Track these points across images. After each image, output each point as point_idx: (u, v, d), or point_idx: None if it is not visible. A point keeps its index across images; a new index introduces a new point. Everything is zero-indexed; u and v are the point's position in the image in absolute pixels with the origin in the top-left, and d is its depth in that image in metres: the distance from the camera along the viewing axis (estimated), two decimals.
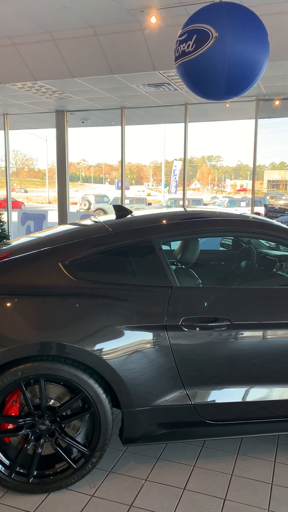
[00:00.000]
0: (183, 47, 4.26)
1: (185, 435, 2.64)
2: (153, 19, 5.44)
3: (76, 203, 29.34)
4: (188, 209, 3.46)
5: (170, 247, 3.57)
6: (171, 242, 3.37)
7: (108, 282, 2.55)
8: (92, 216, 3.54)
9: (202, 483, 2.53)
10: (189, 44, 4.21)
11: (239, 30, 4.08)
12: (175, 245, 3.44)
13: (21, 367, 2.31)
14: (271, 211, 21.78)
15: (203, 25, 4.14)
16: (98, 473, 2.61)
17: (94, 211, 26.24)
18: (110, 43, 6.24)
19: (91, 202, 29.08)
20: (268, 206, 24.09)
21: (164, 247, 2.83)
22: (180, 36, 4.30)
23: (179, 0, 5.20)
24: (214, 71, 4.16)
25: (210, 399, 2.56)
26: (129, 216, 3.08)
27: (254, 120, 8.80)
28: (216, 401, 2.56)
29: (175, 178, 31.73)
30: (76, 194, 35.59)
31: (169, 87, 7.34)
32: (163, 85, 7.22)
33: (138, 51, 6.23)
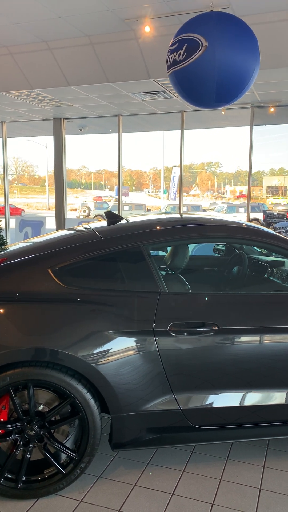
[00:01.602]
0: (175, 56, 4.32)
1: (174, 440, 2.65)
2: (147, 29, 5.51)
3: (76, 210, 29.43)
4: (182, 215, 3.50)
5: (159, 254, 3.61)
6: (162, 248, 3.39)
7: (97, 288, 2.58)
8: (83, 223, 3.57)
9: (191, 488, 2.54)
10: (180, 53, 4.27)
11: (228, 39, 4.15)
12: (166, 251, 3.48)
13: (9, 372, 2.34)
14: (270, 217, 21.84)
15: (193, 35, 4.20)
16: (88, 478, 2.63)
17: (94, 217, 26.31)
18: (106, 52, 6.31)
19: (91, 209, 29.18)
20: (267, 212, 24.18)
21: (155, 253, 2.87)
22: (171, 45, 4.36)
23: (173, 9, 5.27)
24: (205, 80, 4.21)
25: (198, 404, 2.57)
26: (120, 222, 3.11)
27: (249, 127, 8.88)
28: (204, 406, 2.58)
29: (174, 184, 31.85)
30: (76, 200, 35.69)
31: (165, 94, 7.41)
32: (158, 93, 7.29)
33: (133, 59, 6.30)
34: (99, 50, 6.33)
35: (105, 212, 3.32)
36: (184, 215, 3.54)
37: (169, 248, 3.27)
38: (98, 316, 2.48)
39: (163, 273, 3.08)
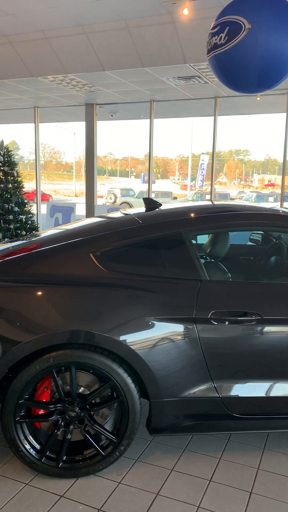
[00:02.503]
0: (215, 39, 4.23)
1: (212, 428, 2.65)
2: (185, 11, 5.40)
3: (102, 197, 29.53)
4: (216, 203, 3.45)
5: (196, 241, 3.57)
6: (199, 236, 3.36)
7: (139, 274, 2.58)
8: (121, 209, 3.57)
9: (228, 476, 2.55)
10: (221, 36, 4.17)
11: (272, 22, 4.02)
12: (203, 239, 3.44)
13: (53, 354, 2.37)
14: None
15: (235, 17, 4.09)
16: (125, 461, 2.66)
17: (120, 204, 26.37)
18: (141, 36, 6.23)
19: (117, 196, 29.23)
20: None
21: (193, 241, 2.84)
22: (212, 28, 4.26)
23: None
24: (247, 64, 4.11)
25: (238, 392, 2.56)
26: (159, 209, 3.10)
27: (284, 113, 8.66)
28: (244, 395, 2.57)
29: (202, 172, 31.51)
30: (102, 187, 35.81)
31: (200, 80, 7.29)
32: (193, 78, 7.17)
33: (169, 44, 6.20)
34: (135, 34, 6.25)
35: (143, 198, 3.31)
36: (219, 203, 3.49)
37: (207, 236, 3.24)
38: (139, 301, 2.49)
39: (202, 261, 3.06)
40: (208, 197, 25.34)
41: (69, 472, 2.49)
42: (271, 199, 26.76)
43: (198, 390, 2.54)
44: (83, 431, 2.48)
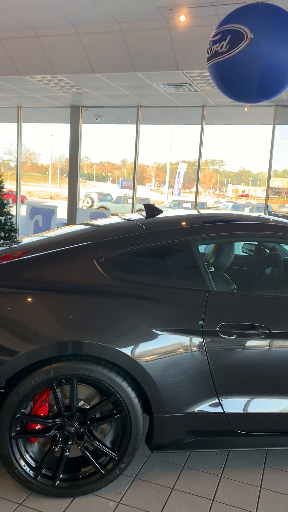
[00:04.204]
0: (216, 47, 4.19)
1: (214, 444, 2.57)
2: (182, 18, 5.37)
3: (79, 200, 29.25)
4: (221, 212, 3.39)
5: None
6: (210, 245, 3.28)
7: (144, 283, 2.47)
8: (119, 214, 3.46)
9: (231, 495, 2.46)
10: (222, 44, 4.14)
11: (275, 33, 4.01)
12: (205, 248, 3.37)
13: (54, 366, 2.23)
14: None
15: (238, 26, 4.07)
16: (123, 479, 2.53)
17: (97, 208, 26.16)
18: (135, 40, 6.16)
19: (94, 200, 29.01)
20: (272, 213, 24.13)
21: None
22: (214, 36, 4.22)
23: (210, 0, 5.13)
24: (247, 73, 4.09)
25: (243, 408, 2.48)
26: (162, 215, 3.00)
27: (267, 126, 8.76)
28: (248, 411, 2.49)
29: (179, 180, 31.69)
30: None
31: (190, 87, 7.27)
32: (184, 85, 7.15)
33: (162, 49, 6.15)
34: (128, 37, 6.17)
35: (144, 204, 3.21)
36: (224, 212, 3.43)
37: (210, 245, 3.16)
38: (145, 311, 2.38)
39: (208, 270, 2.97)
40: (185, 205, 25.47)
41: (66, 491, 2.35)
42: (246, 209, 27.17)
43: (203, 405, 2.44)
44: (82, 448, 2.35)
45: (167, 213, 3.13)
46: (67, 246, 2.60)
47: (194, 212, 3.28)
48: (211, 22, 5.38)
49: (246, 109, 7.89)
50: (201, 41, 5.49)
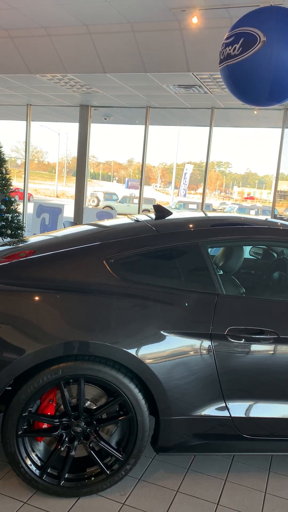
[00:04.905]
0: (229, 49, 4.18)
1: (219, 448, 2.56)
2: (194, 19, 5.36)
3: None
4: (230, 215, 3.38)
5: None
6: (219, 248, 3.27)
7: (153, 285, 2.47)
8: (128, 215, 3.46)
9: (236, 499, 2.45)
10: (235, 47, 4.13)
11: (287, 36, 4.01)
12: (215, 251, 3.36)
13: (62, 365, 2.23)
14: None
15: (251, 29, 4.06)
16: (128, 480, 2.53)
17: (103, 208, 26.20)
18: (146, 41, 6.16)
19: (100, 199, 29.05)
20: (277, 216, 24.07)
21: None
22: (226, 38, 4.22)
23: (223, 2, 5.12)
24: (259, 76, 4.08)
25: (250, 413, 2.47)
26: (172, 217, 3.00)
27: (274, 129, 8.74)
28: (255, 416, 2.48)
29: (185, 181, 31.65)
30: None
31: (200, 89, 7.27)
32: (194, 87, 7.14)
33: (174, 51, 6.15)
34: (140, 38, 6.18)
35: (154, 206, 3.21)
36: (233, 215, 3.42)
37: (220, 248, 3.15)
38: (154, 313, 2.37)
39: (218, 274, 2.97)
40: (190, 206, 25.44)
41: (71, 491, 2.35)
42: (252, 212, 27.10)
43: (210, 408, 2.43)
44: (88, 448, 2.35)
45: (176, 215, 3.13)
46: (76, 246, 2.60)
47: (203, 214, 3.27)
48: (223, 25, 5.37)
49: (255, 112, 7.89)
50: (213, 43, 5.49)
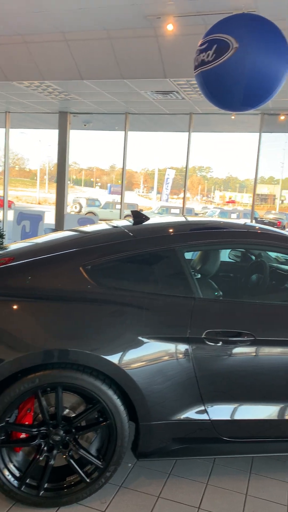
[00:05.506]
0: (203, 56, 4.23)
1: (200, 452, 2.57)
2: (169, 27, 5.42)
3: (67, 205, 29.18)
4: (207, 219, 3.41)
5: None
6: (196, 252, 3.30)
7: (131, 290, 2.47)
8: (106, 221, 3.46)
9: (217, 503, 2.45)
10: (209, 53, 4.18)
11: (260, 42, 4.07)
12: (191, 255, 3.38)
13: (39, 374, 2.21)
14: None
15: (224, 35, 4.12)
16: (109, 487, 2.52)
17: (86, 214, 26.14)
18: (123, 48, 6.20)
19: (82, 205, 28.98)
20: (258, 219, 24.32)
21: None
22: (200, 45, 4.27)
23: (197, 9, 5.19)
24: (233, 82, 4.13)
25: (229, 415, 2.49)
26: (148, 222, 3.01)
27: (253, 133, 8.86)
28: (235, 418, 2.49)
29: (168, 186, 31.82)
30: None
31: (177, 95, 7.33)
32: (171, 93, 7.20)
33: (150, 57, 6.20)
34: (116, 45, 6.21)
35: (131, 211, 3.22)
36: (210, 219, 3.45)
37: (197, 252, 3.18)
38: (131, 319, 2.38)
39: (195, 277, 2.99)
40: (173, 211, 25.56)
41: (51, 501, 2.32)
42: (233, 215, 27.38)
43: (189, 412, 2.44)
44: (68, 456, 2.33)
45: (154, 220, 3.15)
46: (53, 253, 2.59)
47: (181, 219, 3.30)
48: (198, 31, 5.43)
49: (232, 117, 8.00)
50: (189, 50, 5.54)
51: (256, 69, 4.02)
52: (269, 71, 4.05)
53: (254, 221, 21.08)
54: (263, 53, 4.01)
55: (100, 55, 6.42)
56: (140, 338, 2.35)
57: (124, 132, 9.20)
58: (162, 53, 6.13)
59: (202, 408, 2.45)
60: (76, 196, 33.44)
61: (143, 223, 3.00)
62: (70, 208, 28.79)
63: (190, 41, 5.64)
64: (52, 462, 2.31)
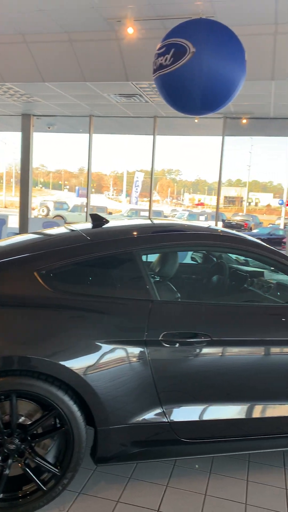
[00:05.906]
0: (161, 60, 4.28)
1: (159, 454, 2.57)
2: (130, 30, 5.44)
3: (34, 209, 28.78)
4: (166, 222, 3.43)
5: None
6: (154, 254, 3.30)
7: (87, 294, 2.45)
8: (65, 224, 3.43)
9: (176, 504, 2.46)
10: (167, 57, 4.24)
11: (216, 47, 4.16)
12: (150, 258, 3.39)
13: None
14: (228, 226, 22.43)
15: (181, 40, 4.18)
16: (67, 494, 2.48)
17: (53, 217, 25.86)
18: (84, 50, 6.18)
19: (50, 209, 28.67)
20: (225, 221, 24.73)
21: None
22: (159, 49, 4.31)
23: (157, 13, 5.23)
24: (191, 86, 4.20)
25: (186, 417, 2.50)
26: (108, 225, 3.00)
27: (219, 137, 9.00)
28: (192, 419, 2.51)
29: (137, 189, 31.86)
30: (34, 199, 34.93)
31: (140, 98, 7.36)
32: (134, 96, 7.22)
33: (112, 60, 6.20)
34: (77, 47, 6.18)
35: (90, 214, 3.20)
36: (169, 222, 3.48)
37: (156, 255, 3.18)
38: (87, 323, 2.36)
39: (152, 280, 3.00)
40: (142, 213, 25.63)
41: (6, 511, 2.27)
42: (202, 217, 27.71)
43: (147, 415, 2.44)
44: (23, 465, 2.28)
45: (113, 223, 3.13)
46: (6, 258, 2.54)
47: (140, 221, 3.30)
48: (158, 35, 5.46)
49: (196, 121, 8.09)
50: (149, 53, 5.57)
51: (213, 73, 4.10)
52: (226, 75, 4.14)
53: (220, 223, 21.35)
54: (220, 58, 4.10)
55: (61, 58, 6.37)
56: (96, 342, 2.33)
57: (88, 134, 9.16)
58: (123, 56, 6.14)
59: (160, 410, 2.46)
60: (44, 199, 33.02)
61: (102, 226, 2.99)
62: (37, 212, 28.41)
63: (151, 45, 5.66)
64: (7, 472, 2.26)
